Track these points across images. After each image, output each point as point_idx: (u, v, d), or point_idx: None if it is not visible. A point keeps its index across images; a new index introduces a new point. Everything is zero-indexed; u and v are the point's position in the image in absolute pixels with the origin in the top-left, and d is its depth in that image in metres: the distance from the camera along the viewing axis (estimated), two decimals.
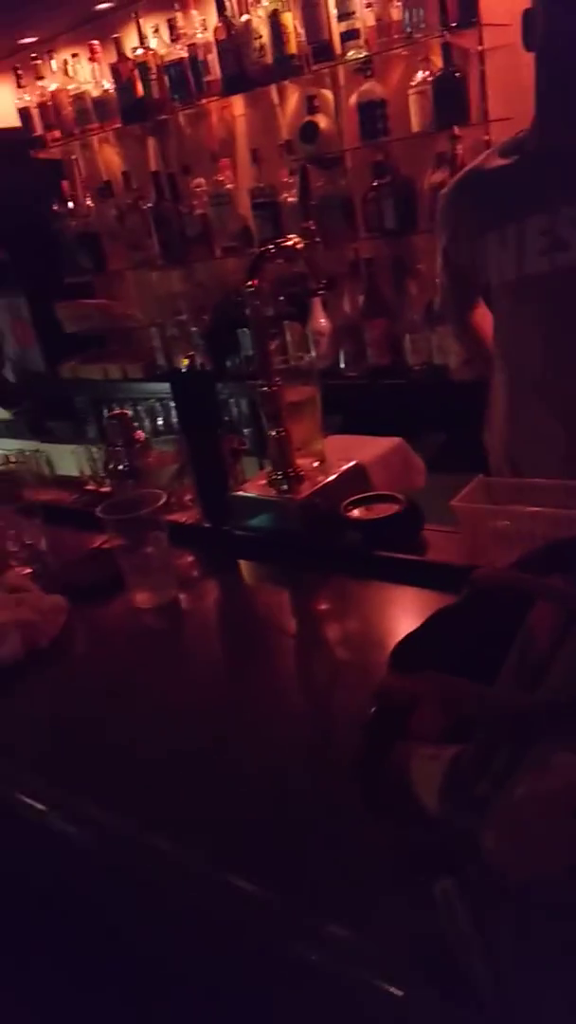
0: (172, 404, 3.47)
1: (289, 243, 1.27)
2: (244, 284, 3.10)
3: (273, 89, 2.92)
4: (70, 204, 3.58)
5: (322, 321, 2.87)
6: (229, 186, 3.06)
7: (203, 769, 0.87)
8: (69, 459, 1.92)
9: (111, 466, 1.51)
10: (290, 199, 2.90)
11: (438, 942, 0.45)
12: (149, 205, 3.29)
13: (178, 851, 0.77)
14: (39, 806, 0.89)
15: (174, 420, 3.48)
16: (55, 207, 3.58)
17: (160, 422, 3.41)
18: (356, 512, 1.26)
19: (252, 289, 1.23)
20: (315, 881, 0.68)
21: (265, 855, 0.73)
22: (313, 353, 2.75)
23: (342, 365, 2.85)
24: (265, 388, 1.27)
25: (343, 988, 0.59)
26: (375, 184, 2.69)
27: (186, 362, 3.25)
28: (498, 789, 0.44)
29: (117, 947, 0.93)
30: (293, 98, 2.94)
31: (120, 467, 1.50)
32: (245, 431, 2.93)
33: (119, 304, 3.76)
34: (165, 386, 3.43)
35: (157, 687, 1.06)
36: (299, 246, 1.24)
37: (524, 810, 0.43)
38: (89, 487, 1.71)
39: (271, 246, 1.26)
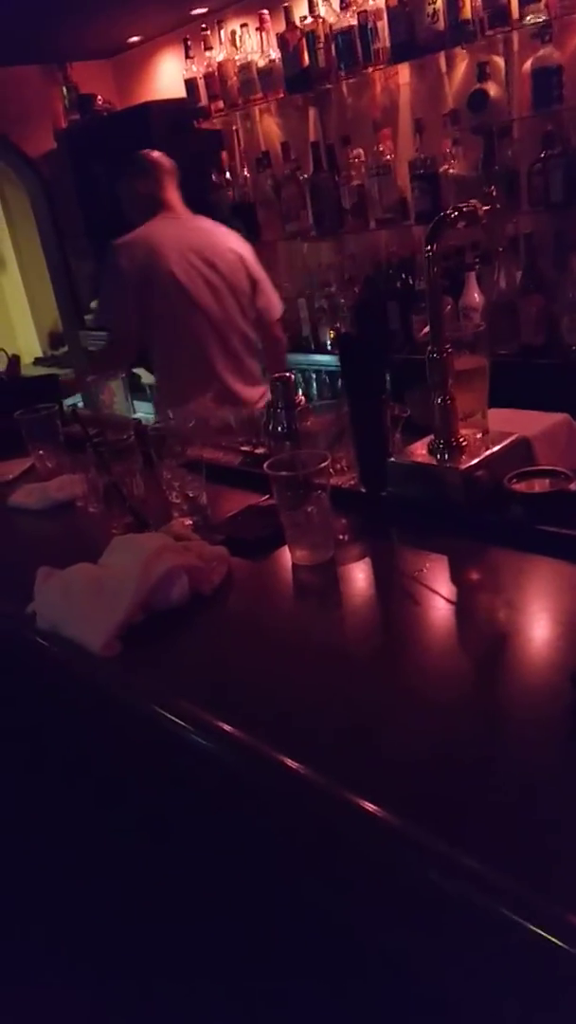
0: (314, 375, 3.52)
1: (470, 208, 1.25)
2: (393, 256, 3.05)
3: (442, 57, 2.86)
4: (227, 175, 3.65)
5: (475, 296, 2.81)
6: (389, 157, 3.03)
7: (354, 713, 0.90)
8: None
9: (270, 427, 1.54)
10: (451, 171, 2.84)
11: None
12: (306, 176, 3.31)
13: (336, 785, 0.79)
14: (187, 725, 0.94)
15: (314, 391, 3.53)
16: (213, 177, 3.65)
17: (300, 392, 3.44)
18: (521, 485, 1.23)
19: (430, 254, 1.21)
20: (470, 822, 0.69)
21: (419, 794, 0.75)
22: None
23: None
24: (435, 355, 1.26)
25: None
26: (543, 155, 2.59)
27: (332, 334, 3.26)
28: None
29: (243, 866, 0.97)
30: (462, 66, 2.87)
31: (279, 429, 1.53)
32: None
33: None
34: (307, 357, 3.47)
35: (313, 639, 1.09)
36: (482, 211, 1.22)
37: None
38: (245, 448, 1.76)
39: (452, 211, 1.24)
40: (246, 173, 3.63)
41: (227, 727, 0.91)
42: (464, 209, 1.25)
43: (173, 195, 2.61)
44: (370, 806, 0.74)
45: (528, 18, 2.50)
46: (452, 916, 0.69)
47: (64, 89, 4.33)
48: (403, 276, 3.09)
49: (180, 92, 3.68)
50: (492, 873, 0.66)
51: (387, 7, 2.80)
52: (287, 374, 1.55)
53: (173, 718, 0.97)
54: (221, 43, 3.48)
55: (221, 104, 3.54)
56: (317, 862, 0.84)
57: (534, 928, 0.61)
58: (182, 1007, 1.22)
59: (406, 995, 0.81)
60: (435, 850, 0.69)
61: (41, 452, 1.84)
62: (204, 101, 3.59)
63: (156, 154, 2.61)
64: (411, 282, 3.07)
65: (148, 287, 2.49)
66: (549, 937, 0.60)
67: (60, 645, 1.12)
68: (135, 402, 4.44)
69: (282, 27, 3.14)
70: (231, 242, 2.66)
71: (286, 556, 1.26)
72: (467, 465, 1.27)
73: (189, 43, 3.57)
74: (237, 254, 2.64)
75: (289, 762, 0.83)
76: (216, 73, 3.49)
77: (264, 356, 2.83)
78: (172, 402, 2.57)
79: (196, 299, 2.51)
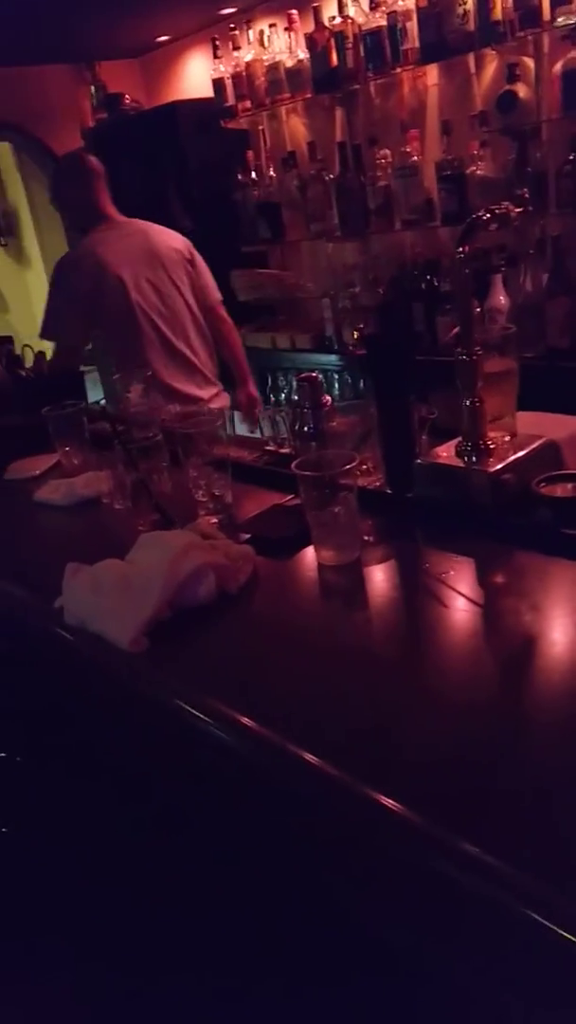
0: (336, 375, 3.52)
1: (502, 210, 1.24)
2: (419, 257, 3.02)
3: (471, 58, 2.85)
4: (253, 174, 3.65)
5: (501, 299, 2.79)
6: (416, 158, 3.03)
7: (377, 712, 0.91)
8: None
9: (296, 427, 1.55)
10: (478, 172, 2.83)
11: None
12: (331, 176, 3.31)
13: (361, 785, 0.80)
14: (211, 721, 0.96)
15: (336, 392, 3.52)
16: (239, 177, 3.66)
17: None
18: (548, 489, 1.23)
19: (463, 255, 1.21)
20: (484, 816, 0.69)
21: (440, 793, 0.76)
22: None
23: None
24: (465, 357, 1.26)
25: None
26: (572, 157, 2.58)
27: (356, 334, 3.26)
28: None
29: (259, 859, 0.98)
30: (491, 67, 2.86)
31: (305, 429, 1.53)
32: None
33: (292, 275, 3.81)
34: (331, 358, 3.47)
35: (338, 639, 1.09)
36: (514, 213, 1.21)
37: None
38: (269, 447, 1.77)
39: (484, 212, 1.24)
40: (272, 173, 3.63)
41: (250, 723, 0.92)
42: (497, 211, 1.25)
43: (106, 200, 2.64)
44: (391, 803, 0.75)
45: (560, 19, 2.49)
46: (469, 914, 0.69)
47: (92, 88, 4.36)
48: (428, 277, 3.08)
49: (207, 92, 3.69)
50: (511, 871, 0.66)
51: (417, 8, 2.80)
52: (313, 374, 1.55)
53: (198, 714, 0.98)
54: (249, 43, 3.48)
55: (248, 104, 3.54)
56: (335, 858, 0.84)
57: (554, 927, 0.61)
58: (192, 1001, 1.23)
59: (418, 992, 0.81)
60: (455, 848, 0.70)
61: (67, 449, 1.86)
62: (231, 101, 3.59)
63: (89, 157, 2.64)
64: (436, 283, 3.06)
65: (99, 301, 2.55)
66: (569, 936, 0.60)
67: (88, 640, 1.13)
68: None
69: (311, 27, 3.14)
70: (170, 239, 2.70)
71: (311, 556, 1.26)
72: (495, 468, 1.27)
73: (217, 43, 3.58)
74: (177, 250, 2.68)
75: (310, 758, 0.84)
76: (244, 73, 3.50)
77: (217, 343, 2.85)
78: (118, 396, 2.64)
79: (146, 309, 2.57)
